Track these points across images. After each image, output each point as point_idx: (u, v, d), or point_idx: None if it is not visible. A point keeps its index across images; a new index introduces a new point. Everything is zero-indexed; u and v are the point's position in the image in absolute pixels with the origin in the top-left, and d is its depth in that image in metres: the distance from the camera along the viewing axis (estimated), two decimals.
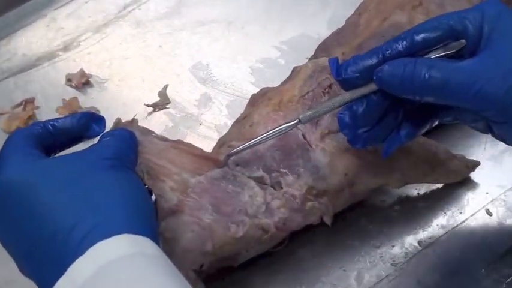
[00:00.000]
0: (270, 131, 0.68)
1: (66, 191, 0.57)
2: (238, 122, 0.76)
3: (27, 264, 0.58)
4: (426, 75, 0.60)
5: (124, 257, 0.53)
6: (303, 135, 0.72)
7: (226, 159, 0.70)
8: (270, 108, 0.73)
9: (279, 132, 0.67)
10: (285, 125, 0.67)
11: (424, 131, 0.67)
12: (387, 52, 0.63)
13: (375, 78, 0.62)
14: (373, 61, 0.63)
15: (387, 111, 0.65)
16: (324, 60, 0.75)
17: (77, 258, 0.54)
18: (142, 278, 0.53)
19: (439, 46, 0.63)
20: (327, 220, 0.72)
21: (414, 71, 0.61)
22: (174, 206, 0.67)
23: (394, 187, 0.75)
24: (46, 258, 0.55)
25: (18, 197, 0.57)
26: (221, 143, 0.74)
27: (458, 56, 0.62)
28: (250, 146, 0.69)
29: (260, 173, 0.70)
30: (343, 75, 0.63)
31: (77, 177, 0.58)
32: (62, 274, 0.54)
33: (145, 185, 0.67)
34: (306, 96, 0.73)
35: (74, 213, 0.55)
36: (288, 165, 0.70)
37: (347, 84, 0.64)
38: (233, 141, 0.72)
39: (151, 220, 0.59)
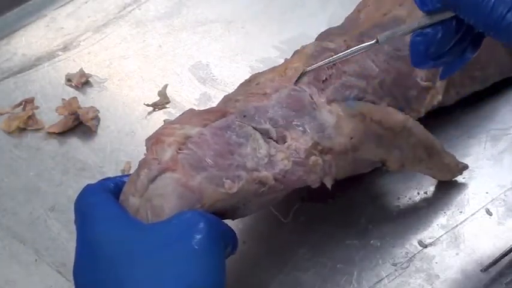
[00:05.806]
0: (348, 49, 0.66)
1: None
2: (243, 84, 0.75)
3: None
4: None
5: None
6: (310, 96, 0.71)
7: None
8: (276, 73, 0.73)
9: (356, 52, 0.65)
10: (363, 45, 0.65)
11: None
12: None
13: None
14: None
15: (458, 40, 0.63)
16: (326, 44, 0.75)
17: None
18: None
19: None
20: (328, 181, 0.70)
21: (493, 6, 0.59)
22: (165, 163, 0.64)
23: (391, 168, 0.73)
24: None
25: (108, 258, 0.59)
26: (226, 99, 0.73)
27: None
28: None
29: (267, 125, 0.68)
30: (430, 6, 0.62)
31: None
32: None
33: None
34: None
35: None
36: (295, 121, 0.69)
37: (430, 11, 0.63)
38: (239, 96, 0.71)
39: None
